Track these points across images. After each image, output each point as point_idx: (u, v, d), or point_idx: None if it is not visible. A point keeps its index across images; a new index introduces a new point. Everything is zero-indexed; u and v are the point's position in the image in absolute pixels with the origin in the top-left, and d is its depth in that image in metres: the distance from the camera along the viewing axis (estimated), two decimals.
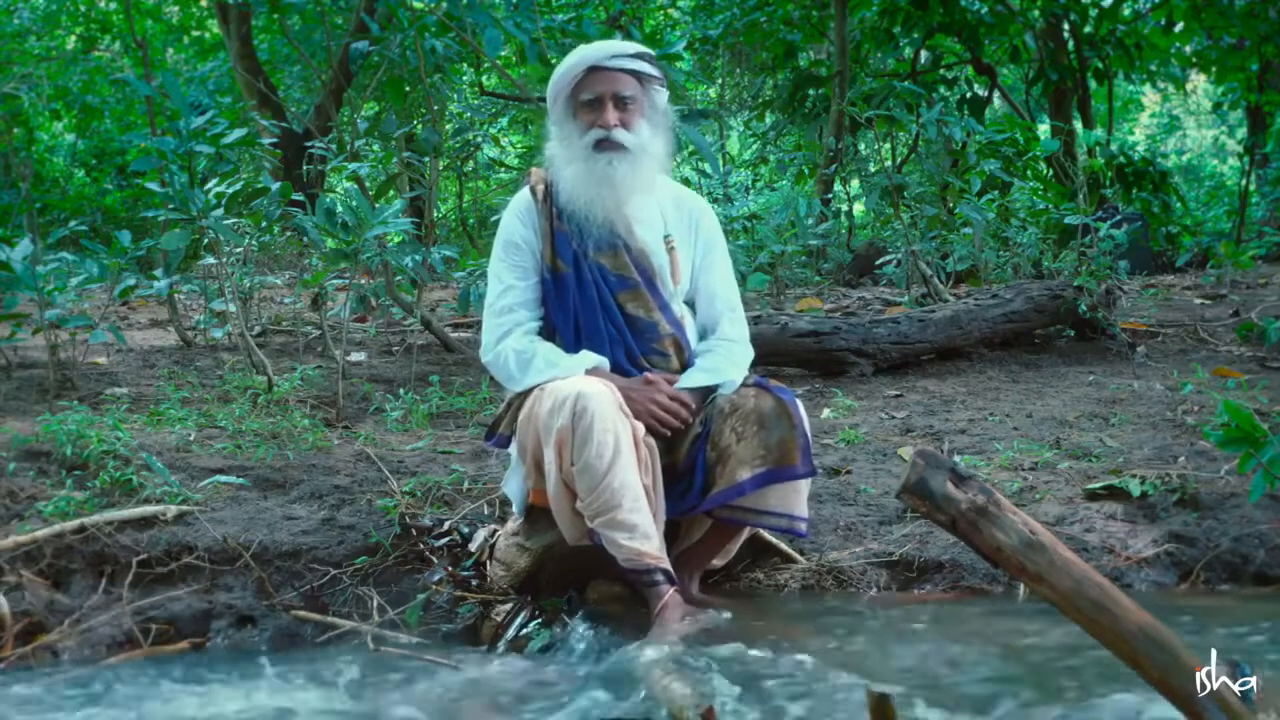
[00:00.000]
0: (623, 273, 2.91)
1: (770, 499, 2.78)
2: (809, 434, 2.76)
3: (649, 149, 2.89)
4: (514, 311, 2.91)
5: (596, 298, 2.88)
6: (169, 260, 4.88)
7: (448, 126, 10.12)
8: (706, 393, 2.90)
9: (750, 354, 3.03)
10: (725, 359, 2.95)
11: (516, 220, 2.97)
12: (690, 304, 3.05)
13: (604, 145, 2.84)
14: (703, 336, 3.03)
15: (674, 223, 3.01)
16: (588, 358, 2.83)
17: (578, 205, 2.89)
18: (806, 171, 10.97)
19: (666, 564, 2.70)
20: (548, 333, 2.94)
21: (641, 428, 2.75)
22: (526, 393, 2.84)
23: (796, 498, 2.81)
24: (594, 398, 2.63)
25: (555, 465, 2.68)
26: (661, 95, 2.97)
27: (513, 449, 2.95)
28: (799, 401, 2.80)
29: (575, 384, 2.68)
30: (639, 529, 2.65)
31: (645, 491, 2.69)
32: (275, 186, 4.81)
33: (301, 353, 5.47)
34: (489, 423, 3.06)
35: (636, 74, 2.89)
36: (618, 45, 2.93)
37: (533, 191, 2.98)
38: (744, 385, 2.88)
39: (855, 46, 11.10)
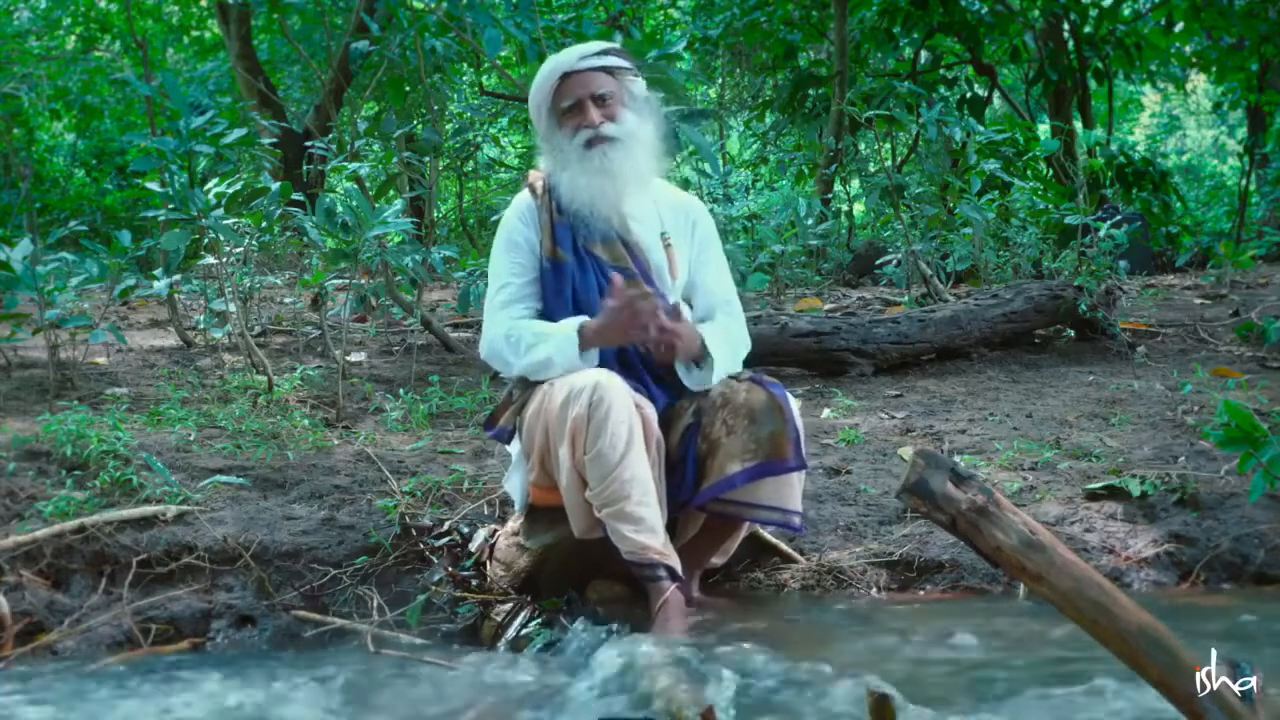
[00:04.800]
0: (620, 263, 2.92)
1: (763, 492, 2.78)
2: (801, 428, 2.76)
3: (638, 135, 2.91)
4: (509, 306, 2.92)
5: (596, 286, 2.90)
6: (169, 260, 4.87)
7: (448, 126, 10.12)
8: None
9: (748, 342, 3.05)
10: (727, 329, 2.96)
11: (517, 219, 2.99)
12: (688, 301, 3.05)
13: (594, 142, 2.86)
14: None
15: (670, 222, 3.03)
16: (573, 320, 2.82)
17: (581, 204, 2.91)
18: (806, 171, 10.97)
19: (671, 560, 2.69)
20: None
21: (653, 417, 2.75)
22: (532, 387, 2.84)
23: (790, 492, 2.81)
24: (611, 389, 2.64)
25: (569, 455, 2.67)
26: (638, 83, 2.99)
27: (514, 446, 2.95)
28: (790, 396, 2.80)
29: (592, 375, 2.68)
30: (645, 522, 2.66)
31: (654, 487, 2.70)
32: (275, 186, 4.80)
33: (301, 353, 5.47)
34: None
35: (608, 69, 2.92)
36: (582, 47, 2.97)
37: (531, 190, 3.00)
38: (737, 379, 2.86)
39: (855, 46, 11.09)
